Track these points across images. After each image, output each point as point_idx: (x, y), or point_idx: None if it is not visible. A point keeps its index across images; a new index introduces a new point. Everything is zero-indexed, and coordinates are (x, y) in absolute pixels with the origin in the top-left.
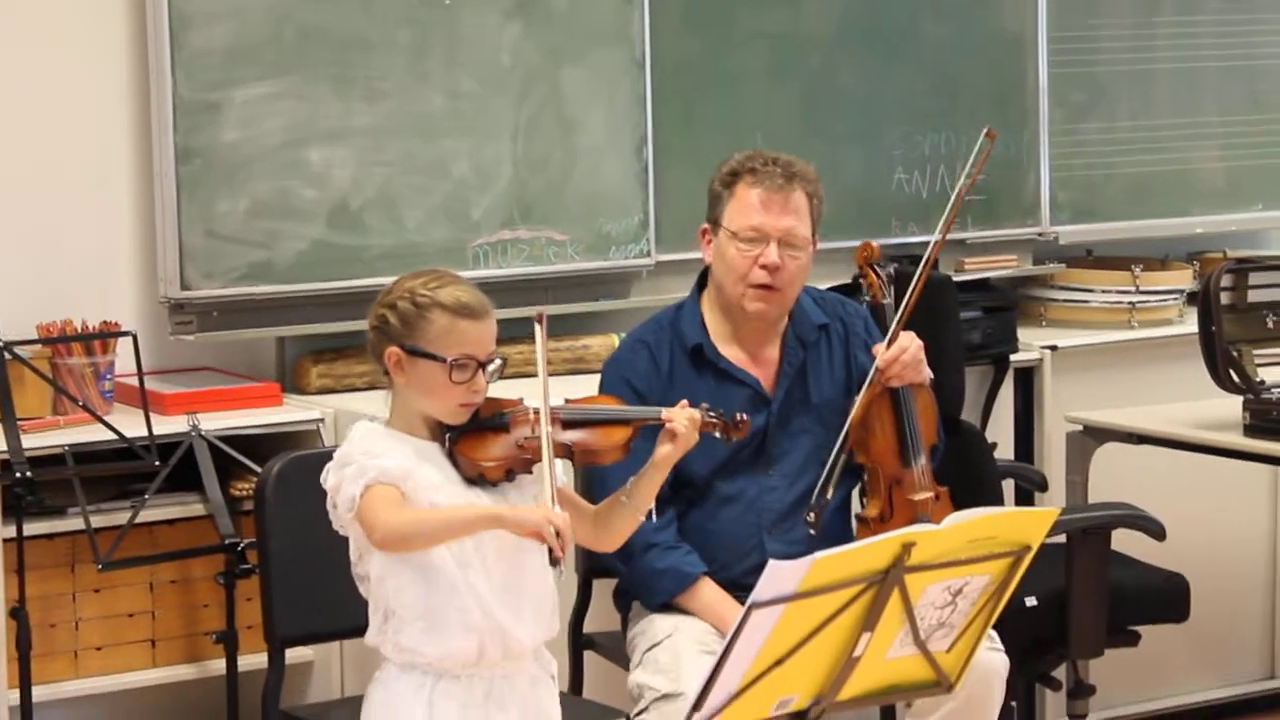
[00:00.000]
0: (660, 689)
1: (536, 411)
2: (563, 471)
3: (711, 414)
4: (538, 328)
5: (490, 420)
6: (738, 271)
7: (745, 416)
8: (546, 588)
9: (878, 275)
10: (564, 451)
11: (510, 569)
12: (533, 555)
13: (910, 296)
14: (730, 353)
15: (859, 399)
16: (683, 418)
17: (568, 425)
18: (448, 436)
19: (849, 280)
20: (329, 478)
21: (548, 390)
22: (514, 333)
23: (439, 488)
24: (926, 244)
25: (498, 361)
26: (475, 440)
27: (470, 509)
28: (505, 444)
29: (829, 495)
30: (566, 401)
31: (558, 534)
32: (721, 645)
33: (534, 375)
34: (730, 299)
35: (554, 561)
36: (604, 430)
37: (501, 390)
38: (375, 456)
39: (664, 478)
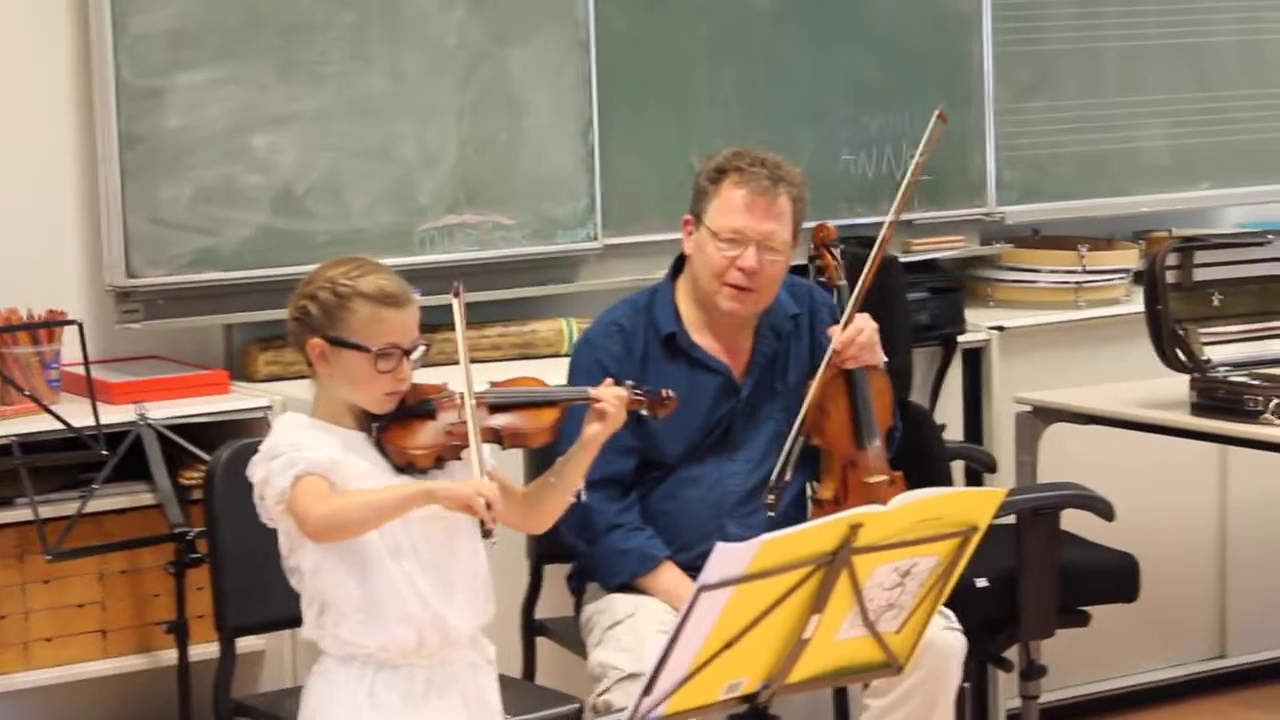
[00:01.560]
0: (624, 668)
1: (463, 395)
2: (490, 455)
3: (638, 391)
4: (455, 301)
5: (417, 408)
6: (714, 269)
7: (671, 393)
8: (478, 572)
9: (833, 257)
10: (492, 436)
11: (441, 556)
12: (463, 541)
13: (865, 278)
14: (703, 340)
15: (814, 381)
16: (611, 396)
17: (495, 409)
18: (375, 426)
19: (801, 261)
20: (256, 471)
21: (468, 364)
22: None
23: (368, 476)
24: (874, 225)
25: (422, 348)
26: (402, 428)
27: (400, 488)
28: (433, 430)
29: (787, 477)
30: (492, 385)
31: (488, 506)
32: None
33: (478, 362)
34: (705, 294)
35: (486, 533)
36: (532, 413)
37: (430, 376)
38: (301, 448)
39: (592, 457)
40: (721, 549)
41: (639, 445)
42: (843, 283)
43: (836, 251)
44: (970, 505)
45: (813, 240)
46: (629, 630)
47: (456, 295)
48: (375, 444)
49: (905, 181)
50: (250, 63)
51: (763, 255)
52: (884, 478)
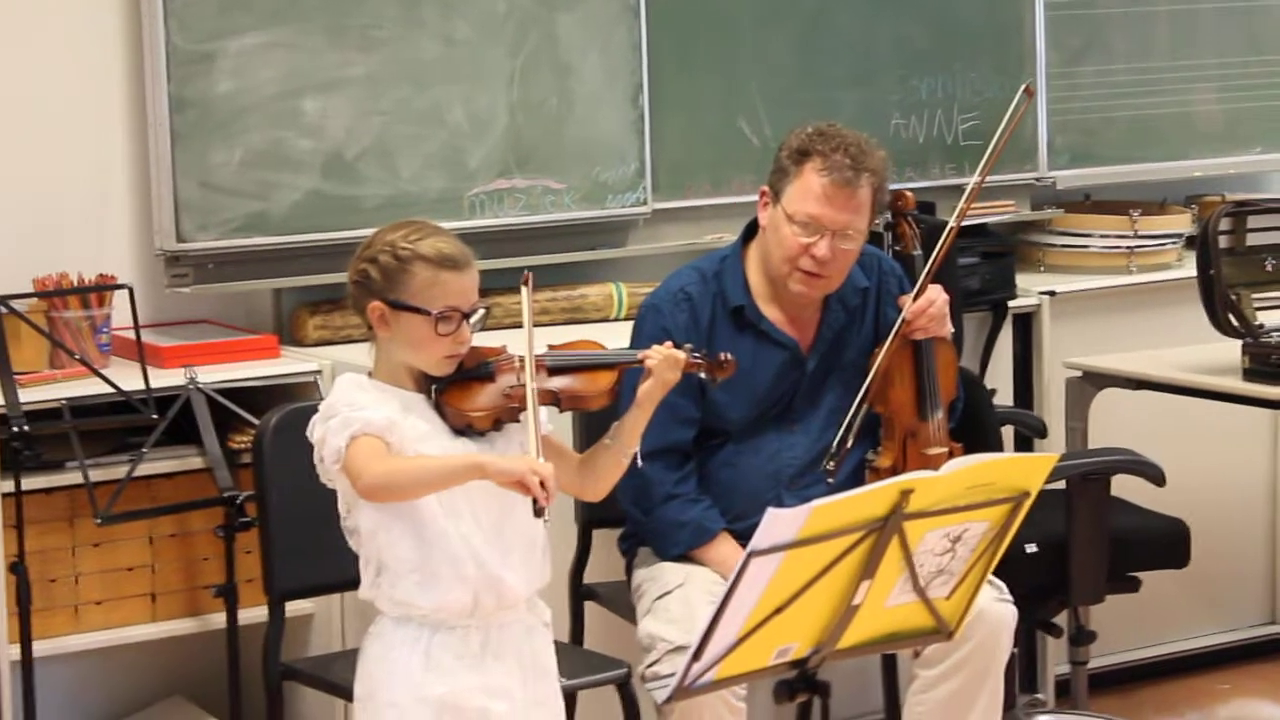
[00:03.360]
0: (674, 640)
1: (521, 359)
2: (547, 419)
3: (696, 355)
4: (524, 289)
5: (475, 370)
6: (787, 252)
7: (729, 356)
8: (535, 535)
9: (910, 226)
10: (550, 399)
11: (499, 518)
12: (520, 503)
13: (940, 248)
14: (771, 313)
15: (883, 349)
16: (657, 355)
17: (553, 372)
18: (434, 388)
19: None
20: (314, 430)
21: (533, 351)
22: (510, 282)
23: (427, 438)
24: (923, 189)
25: (481, 311)
26: (461, 390)
27: (453, 458)
28: (491, 393)
29: (849, 444)
30: (550, 348)
31: (542, 484)
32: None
33: (524, 326)
34: (775, 273)
35: (538, 512)
36: (589, 376)
37: (489, 340)
38: (360, 408)
39: (648, 417)
40: (772, 514)
41: (700, 416)
42: (918, 252)
43: (913, 220)
44: (1021, 471)
45: (890, 208)
46: (679, 601)
47: (526, 283)
48: (434, 406)
49: (987, 157)
50: (301, 27)
51: (837, 244)
52: (944, 449)
